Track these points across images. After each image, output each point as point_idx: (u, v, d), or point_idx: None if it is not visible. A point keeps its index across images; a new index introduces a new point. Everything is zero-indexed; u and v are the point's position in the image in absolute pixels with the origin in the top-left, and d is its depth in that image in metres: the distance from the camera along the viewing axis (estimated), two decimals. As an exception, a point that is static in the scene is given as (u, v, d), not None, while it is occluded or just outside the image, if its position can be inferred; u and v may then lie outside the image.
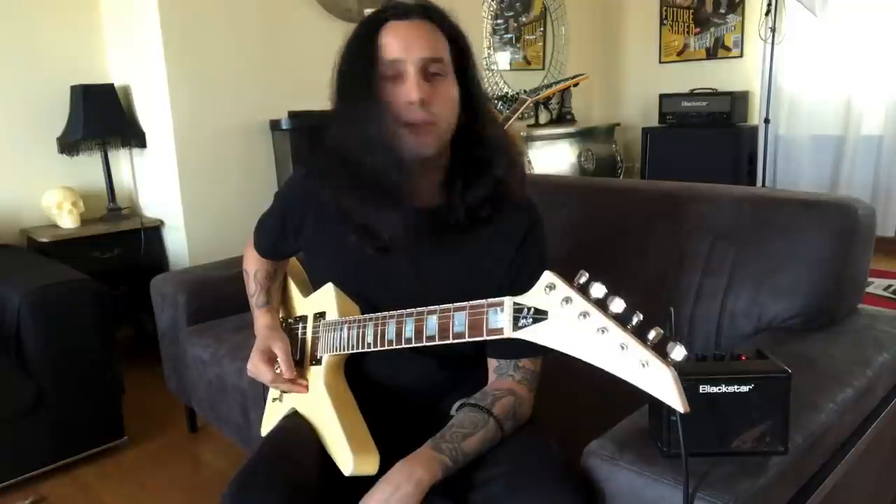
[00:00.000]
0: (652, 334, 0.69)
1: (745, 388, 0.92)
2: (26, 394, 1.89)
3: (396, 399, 1.16)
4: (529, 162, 4.13)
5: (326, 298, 1.14)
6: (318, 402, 1.12)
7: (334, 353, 1.10)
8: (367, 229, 1.04)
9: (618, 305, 0.71)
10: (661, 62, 5.05)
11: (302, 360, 1.20)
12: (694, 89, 4.64)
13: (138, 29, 2.68)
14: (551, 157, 4.29)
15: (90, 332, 2.00)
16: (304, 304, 1.26)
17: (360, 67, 0.98)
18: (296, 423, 1.13)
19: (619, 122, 4.88)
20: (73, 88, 2.68)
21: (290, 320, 1.29)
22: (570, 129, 4.47)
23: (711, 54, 4.80)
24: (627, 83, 5.26)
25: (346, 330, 1.06)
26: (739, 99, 4.50)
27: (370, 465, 1.02)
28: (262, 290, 1.28)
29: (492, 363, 1.10)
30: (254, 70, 2.86)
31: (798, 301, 1.40)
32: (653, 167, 4.64)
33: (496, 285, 1.05)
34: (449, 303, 1.00)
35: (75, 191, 2.71)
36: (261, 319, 1.25)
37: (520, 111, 3.83)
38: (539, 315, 0.77)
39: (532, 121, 4.48)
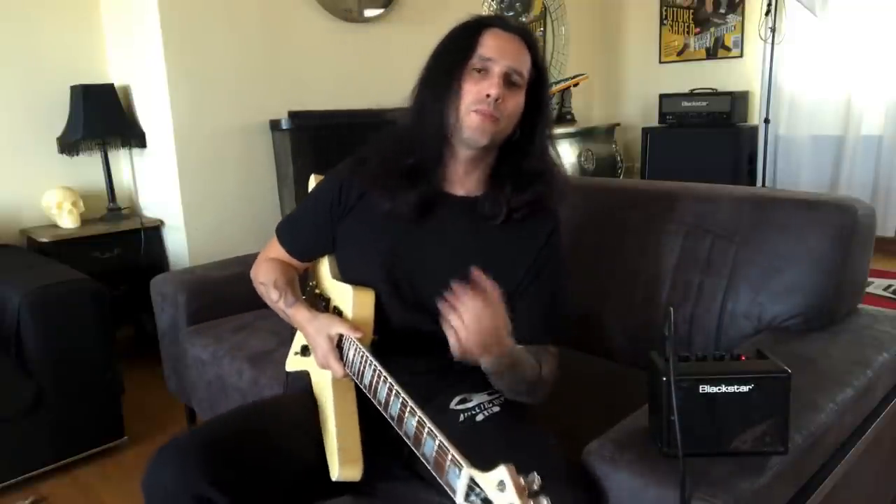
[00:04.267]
0: None
1: (745, 388, 0.92)
2: (26, 394, 1.89)
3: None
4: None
5: (344, 298, 1.19)
6: (324, 387, 1.18)
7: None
8: (395, 202, 1.16)
9: None
10: (661, 62, 5.04)
11: None
12: (694, 89, 4.64)
13: (138, 29, 2.68)
14: (551, 157, 4.28)
15: (90, 332, 2.00)
16: (328, 282, 1.29)
17: (453, 56, 1.13)
18: (262, 406, 1.25)
19: (619, 122, 4.88)
20: (73, 88, 2.68)
21: (316, 290, 1.33)
22: (570, 129, 4.46)
23: (711, 54, 4.80)
24: (627, 83, 5.26)
25: (370, 373, 1.05)
26: (739, 99, 4.49)
27: (354, 474, 1.09)
28: (286, 292, 1.27)
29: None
30: (254, 70, 2.86)
31: (798, 301, 1.40)
32: (653, 167, 4.63)
33: (518, 280, 1.17)
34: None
35: (75, 191, 2.71)
36: (299, 315, 1.23)
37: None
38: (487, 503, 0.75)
39: (532, 121, 4.47)
